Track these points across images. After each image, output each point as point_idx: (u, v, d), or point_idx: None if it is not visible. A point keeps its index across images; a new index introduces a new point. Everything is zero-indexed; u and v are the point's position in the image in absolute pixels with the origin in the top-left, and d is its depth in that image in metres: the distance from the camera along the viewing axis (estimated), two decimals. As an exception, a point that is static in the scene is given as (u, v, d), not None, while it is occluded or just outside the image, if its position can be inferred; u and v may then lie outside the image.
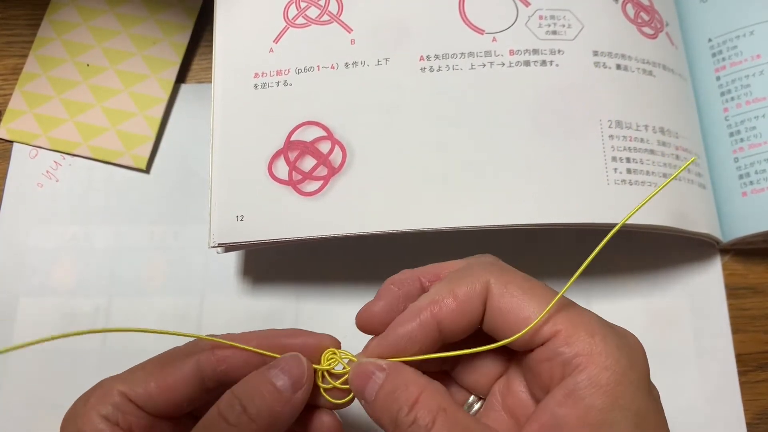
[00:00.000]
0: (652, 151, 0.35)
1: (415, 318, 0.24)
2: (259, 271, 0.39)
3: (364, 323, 0.26)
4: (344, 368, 0.26)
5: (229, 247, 0.35)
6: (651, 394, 0.23)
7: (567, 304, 0.24)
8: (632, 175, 0.34)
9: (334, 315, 0.38)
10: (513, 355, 0.26)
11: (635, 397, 0.22)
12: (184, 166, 0.42)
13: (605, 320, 0.24)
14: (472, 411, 0.27)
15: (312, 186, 0.35)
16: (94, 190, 0.41)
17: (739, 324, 0.38)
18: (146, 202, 0.41)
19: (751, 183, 0.37)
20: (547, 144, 0.34)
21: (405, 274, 0.27)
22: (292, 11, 0.38)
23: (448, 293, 0.25)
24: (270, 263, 0.40)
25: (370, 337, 0.26)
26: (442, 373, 0.28)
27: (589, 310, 0.24)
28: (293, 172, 0.35)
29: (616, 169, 0.34)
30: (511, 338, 0.24)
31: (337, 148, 0.35)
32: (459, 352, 0.25)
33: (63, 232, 0.40)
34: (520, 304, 0.24)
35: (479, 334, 0.26)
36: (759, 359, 0.38)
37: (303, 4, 0.38)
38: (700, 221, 0.36)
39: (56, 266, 0.40)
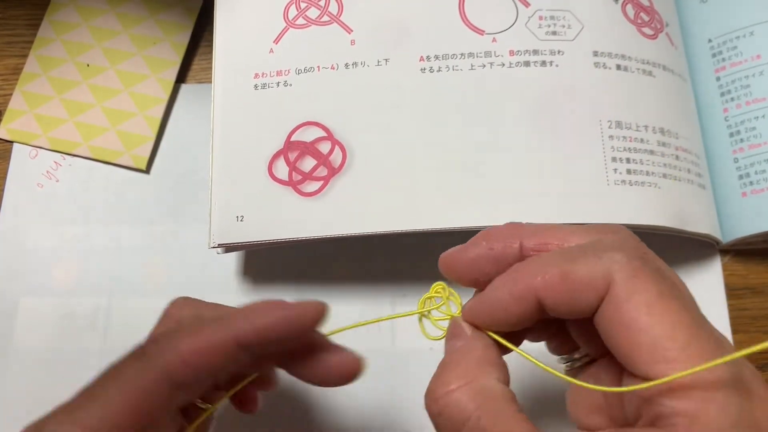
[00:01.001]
0: (651, 152, 0.35)
1: (512, 287, 0.22)
2: (259, 271, 0.39)
3: (446, 266, 0.24)
4: (443, 304, 0.25)
5: (229, 248, 0.36)
6: None
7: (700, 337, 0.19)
8: (632, 176, 0.34)
9: (334, 315, 0.38)
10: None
11: None
12: (184, 166, 0.42)
13: (743, 376, 0.19)
14: (570, 362, 0.25)
15: (312, 186, 0.35)
16: (94, 191, 0.41)
17: (739, 324, 0.38)
18: (146, 202, 0.41)
19: (751, 183, 0.37)
20: (547, 144, 0.34)
21: (506, 230, 0.23)
22: (292, 12, 0.38)
23: (559, 271, 0.21)
24: (270, 263, 0.39)
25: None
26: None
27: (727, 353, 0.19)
28: (293, 173, 0.35)
29: (616, 170, 0.34)
30: (647, 384, 0.19)
31: (337, 149, 0.35)
32: (566, 378, 0.23)
33: (63, 232, 0.40)
34: (645, 326, 0.19)
35: None
36: (759, 359, 0.38)
37: (303, 5, 0.38)
38: (700, 222, 0.36)
39: (56, 266, 0.40)
